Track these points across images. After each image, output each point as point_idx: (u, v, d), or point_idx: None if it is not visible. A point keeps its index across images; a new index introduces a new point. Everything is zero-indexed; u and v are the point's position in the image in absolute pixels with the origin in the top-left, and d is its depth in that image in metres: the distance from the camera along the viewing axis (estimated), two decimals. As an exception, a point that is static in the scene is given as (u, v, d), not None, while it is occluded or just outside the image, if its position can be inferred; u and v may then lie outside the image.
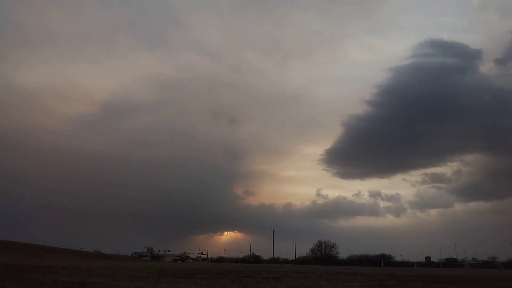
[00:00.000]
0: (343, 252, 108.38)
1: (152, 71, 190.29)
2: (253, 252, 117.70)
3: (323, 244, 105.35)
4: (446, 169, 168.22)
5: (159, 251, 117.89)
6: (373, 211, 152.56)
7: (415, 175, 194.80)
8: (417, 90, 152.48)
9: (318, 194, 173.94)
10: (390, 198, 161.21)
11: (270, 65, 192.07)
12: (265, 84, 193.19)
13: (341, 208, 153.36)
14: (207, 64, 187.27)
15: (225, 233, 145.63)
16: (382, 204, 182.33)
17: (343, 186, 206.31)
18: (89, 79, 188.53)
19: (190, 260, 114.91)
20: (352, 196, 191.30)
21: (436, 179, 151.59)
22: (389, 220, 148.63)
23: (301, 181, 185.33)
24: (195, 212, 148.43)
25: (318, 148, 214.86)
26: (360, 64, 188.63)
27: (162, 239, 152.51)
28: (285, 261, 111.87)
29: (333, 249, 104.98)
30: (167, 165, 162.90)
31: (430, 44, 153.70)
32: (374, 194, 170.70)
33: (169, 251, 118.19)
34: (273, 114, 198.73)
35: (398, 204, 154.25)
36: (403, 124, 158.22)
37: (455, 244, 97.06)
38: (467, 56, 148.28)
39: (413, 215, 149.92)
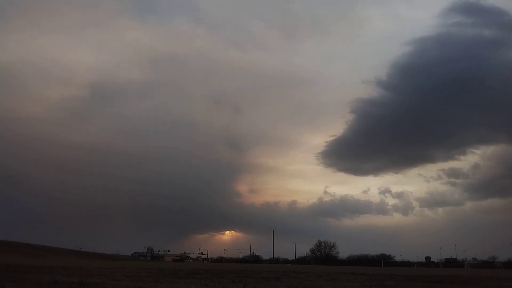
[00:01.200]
0: (345, 252, 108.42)
1: (141, 44, 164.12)
2: (253, 252, 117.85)
3: (323, 244, 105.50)
4: (465, 163, 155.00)
5: (159, 251, 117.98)
6: (381, 209, 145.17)
7: (432, 170, 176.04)
8: (443, 68, 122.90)
9: (326, 192, 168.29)
10: (400, 195, 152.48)
11: (277, 39, 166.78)
12: (271, 63, 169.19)
13: (347, 206, 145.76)
14: (204, 36, 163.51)
15: (226, 232, 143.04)
16: (392, 201, 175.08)
17: (352, 182, 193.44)
18: (71, 55, 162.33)
19: (190, 260, 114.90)
20: (361, 193, 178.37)
21: (453, 174, 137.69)
22: (396, 218, 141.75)
23: (307, 177, 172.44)
24: (195, 211, 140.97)
25: (325, 139, 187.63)
26: (377, 36, 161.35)
27: (162, 239, 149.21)
28: (285, 261, 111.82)
29: (333, 249, 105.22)
30: (163, 158, 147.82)
31: (463, 8, 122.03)
32: (384, 192, 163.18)
33: (169, 251, 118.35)
34: (279, 99, 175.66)
35: (407, 202, 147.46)
36: (424, 110, 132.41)
37: (455, 244, 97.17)
38: (506, 26, 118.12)
39: (420, 214, 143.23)
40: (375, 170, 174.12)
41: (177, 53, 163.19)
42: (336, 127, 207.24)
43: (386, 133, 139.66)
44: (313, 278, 16.22)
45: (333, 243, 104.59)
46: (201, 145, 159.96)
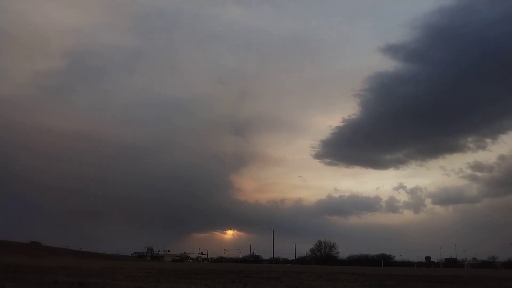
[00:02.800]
0: (346, 252, 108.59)
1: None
2: (253, 252, 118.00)
3: (323, 244, 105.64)
4: (494, 154, 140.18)
5: (159, 251, 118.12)
6: (392, 206, 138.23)
7: (456, 162, 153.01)
8: (492, 32, 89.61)
9: (335, 189, 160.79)
10: (413, 191, 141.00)
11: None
12: (280, 22, 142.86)
13: (357, 204, 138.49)
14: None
15: (228, 231, 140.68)
16: (404, 198, 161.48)
17: (367, 176, 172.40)
18: (37, 13, 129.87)
19: (190, 260, 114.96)
20: (375, 189, 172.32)
21: (477, 167, 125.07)
22: (405, 216, 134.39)
23: (316, 171, 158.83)
24: (195, 208, 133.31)
25: (337, 123, 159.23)
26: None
27: (162, 239, 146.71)
28: (285, 261, 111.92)
29: (333, 249, 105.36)
30: (158, 148, 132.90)
31: None
32: (398, 188, 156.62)
33: (169, 251, 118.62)
34: (288, 72, 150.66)
35: (420, 198, 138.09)
36: (461, 88, 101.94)
37: (455, 244, 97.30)
38: None
39: (431, 211, 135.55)
40: (396, 163, 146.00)
41: (166, 9, 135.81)
42: (350, 108, 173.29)
43: (411, 116, 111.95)
44: (313, 278, 16.21)
45: (333, 243, 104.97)
46: (199, 133, 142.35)
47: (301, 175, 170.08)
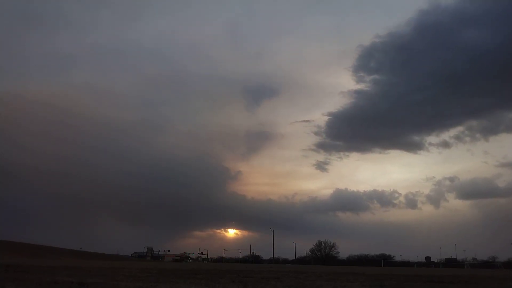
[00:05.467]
0: (348, 251, 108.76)
1: None
2: (253, 252, 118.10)
3: (323, 244, 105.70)
4: None
5: (159, 251, 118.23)
6: (411, 201, 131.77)
7: (509, 146, 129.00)
8: None
9: (354, 181, 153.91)
10: (441, 182, 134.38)
11: None
12: None
13: (377, 198, 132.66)
14: None
15: (229, 230, 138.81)
16: (427, 191, 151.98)
17: (398, 162, 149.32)
18: None
19: (190, 260, 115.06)
20: (403, 180, 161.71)
21: None
22: (422, 213, 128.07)
23: (338, 155, 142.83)
24: (194, 205, 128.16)
25: (367, 84, 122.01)
26: None
27: (162, 239, 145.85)
28: (285, 261, 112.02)
29: (333, 249, 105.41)
30: (145, 128, 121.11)
31: None
32: (426, 179, 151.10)
33: (169, 251, 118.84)
34: (310, 27, 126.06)
35: (444, 193, 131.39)
36: None
37: (455, 244, 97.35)
38: None
39: (450, 208, 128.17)
40: (441, 147, 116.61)
41: None
42: (387, 62, 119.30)
43: (472, 79, 76.67)
44: (313, 278, 16.21)
45: (333, 243, 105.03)
46: (200, 109, 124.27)
47: (318, 158, 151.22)
